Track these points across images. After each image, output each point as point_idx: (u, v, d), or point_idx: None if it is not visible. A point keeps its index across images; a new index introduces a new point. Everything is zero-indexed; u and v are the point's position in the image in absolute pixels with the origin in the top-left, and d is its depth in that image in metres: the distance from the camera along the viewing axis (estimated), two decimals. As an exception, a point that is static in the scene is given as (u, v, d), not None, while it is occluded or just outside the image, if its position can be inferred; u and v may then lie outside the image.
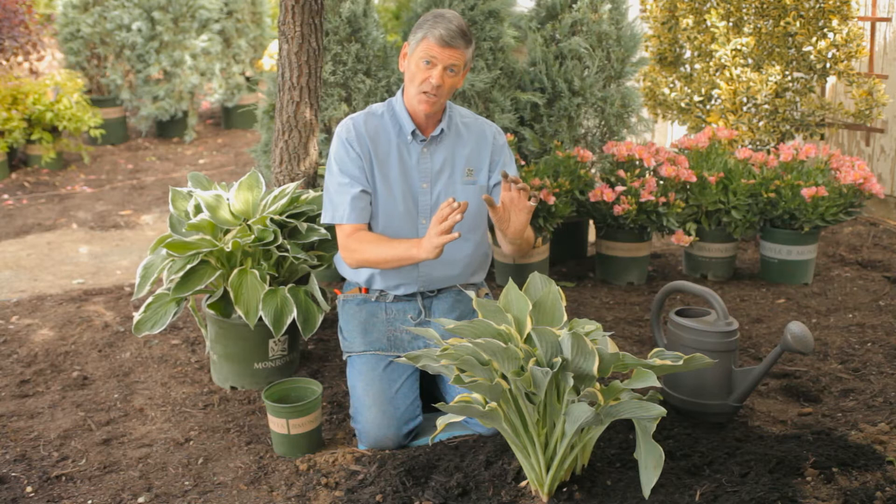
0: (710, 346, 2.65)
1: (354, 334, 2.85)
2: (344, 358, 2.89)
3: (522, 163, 4.13)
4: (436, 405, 2.27)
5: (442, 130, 2.77)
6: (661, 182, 3.97)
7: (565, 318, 2.29)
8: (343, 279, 4.08)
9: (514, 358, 2.10)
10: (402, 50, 2.73)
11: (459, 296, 2.89)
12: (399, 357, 2.74)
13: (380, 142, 2.75)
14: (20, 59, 6.80)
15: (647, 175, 4.02)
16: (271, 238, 2.99)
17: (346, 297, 2.93)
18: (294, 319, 2.95)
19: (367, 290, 2.90)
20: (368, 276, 2.86)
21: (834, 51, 4.50)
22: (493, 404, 2.14)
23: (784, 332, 2.56)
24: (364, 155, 2.73)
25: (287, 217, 3.11)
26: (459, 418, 2.32)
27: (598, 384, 2.16)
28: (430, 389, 2.91)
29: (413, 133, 2.75)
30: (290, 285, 3.04)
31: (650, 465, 2.16)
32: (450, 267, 2.84)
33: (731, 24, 4.66)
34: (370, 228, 2.79)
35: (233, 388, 3.15)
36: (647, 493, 2.16)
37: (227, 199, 3.12)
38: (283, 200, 3.09)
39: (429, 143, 2.78)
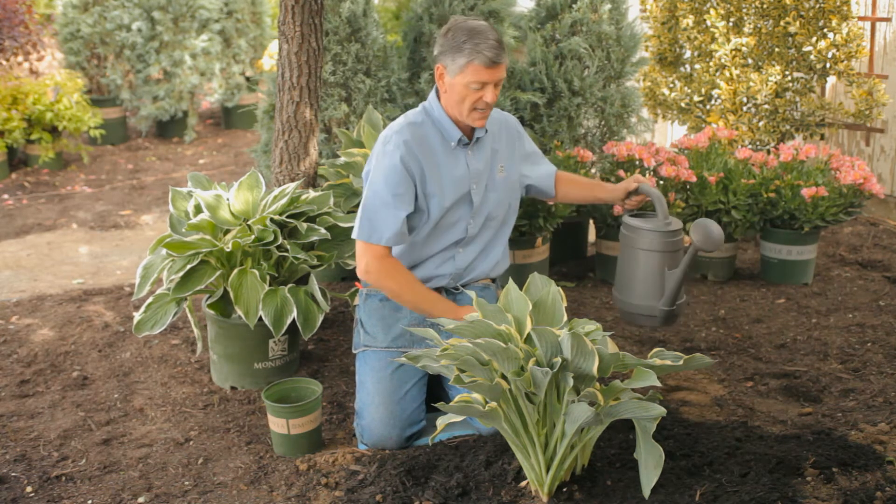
0: (652, 245, 2.67)
1: (377, 329, 2.81)
2: (356, 351, 2.87)
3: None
4: (436, 405, 2.27)
5: (486, 131, 2.78)
6: (661, 182, 3.97)
7: (565, 318, 2.29)
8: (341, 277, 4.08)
9: (514, 358, 2.10)
10: (438, 70, 2.63)
11: (483, 293, 2.89)
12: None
13: (428, 152, 2.69)
14: (20, 59, 6.79)
15: (647, 175, 4.02)
16: (271, 238, 2.99)
17: (370, 291, 2.87)
18: (294, 319, 2.95)
19: None
20: None
21: (834, 51, 4.50)
22: (493, 404, 2.14)
23: (692, 229, 2.56)
24: (417, 172, 2.66)
25: (287, 217, 3.11)
26: (460, 418, 2.32)
27: (597, 384, 2.16)
28: (433, 389, 2.91)
29: (459, 139, 2.72)
30: (290, 285, 3.04)
31: (650, 464, 2.17)
32: (487, 260, 2.87)
33: (731, 23, 4.66)
34: (418, 233, 2.74)
35: (233, 388, 3.15)
36: (646, 493, 2.17)
37: (227, 199, 3.12)
38: (283, 200, 3.09)
39: (472, 146, 2.76)
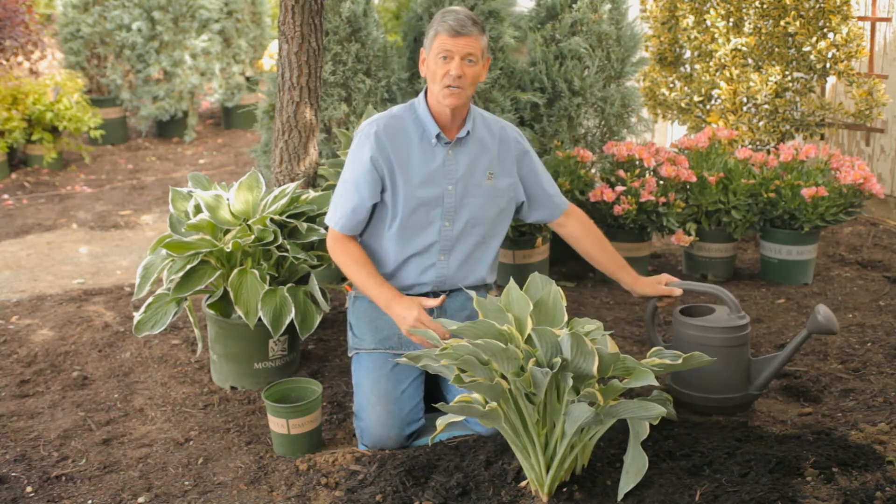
0: (725, 342, 2.68)
1: (365, 331, 2.82)
2: (350, 354, 2.87)
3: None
4: (436, 405, 2.27)
5: (468, 132, 2.74)
6: (661, 182, 3.97)
7: (566, 317, 2.29)
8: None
9: (514, 358, 2.10)
10: (421, 56, 2.72)
11: (458, 296, 2.88)
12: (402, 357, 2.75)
13: (400, 146, 2.70)
14: (20, 59, 6.80)
15: (647, 175, 4.02)
16: (271, 238, 2.99)
17: (358, 293, 2.88)
18: (293, 319, 2.95)
19: None
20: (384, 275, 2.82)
21: (834, 51, 4.50)
22: (493, 404, 2.15)
23: (813, 313, 2.62)
24: (385, 164, 2.68)
25: (287, 217, 3.11)
26: (460, 418, 2.32)
27: (597, 384, 2.16)
28: (431, 389, 2.91)
29: (438, 136, 2.71)
30: (289, 285, 3.04)
31: (632, 471, 2.22)
32: (472, 269, 2.84)
33: (731, 23, 4.66)
34: (389, 228, 2.76)
35: (233, 388, 3.15)
36: (620, 496, 2.22)
37: (227, 200, 3.13)
38: (283, 200, 3.09)
39: (454, 146, 2.74)
